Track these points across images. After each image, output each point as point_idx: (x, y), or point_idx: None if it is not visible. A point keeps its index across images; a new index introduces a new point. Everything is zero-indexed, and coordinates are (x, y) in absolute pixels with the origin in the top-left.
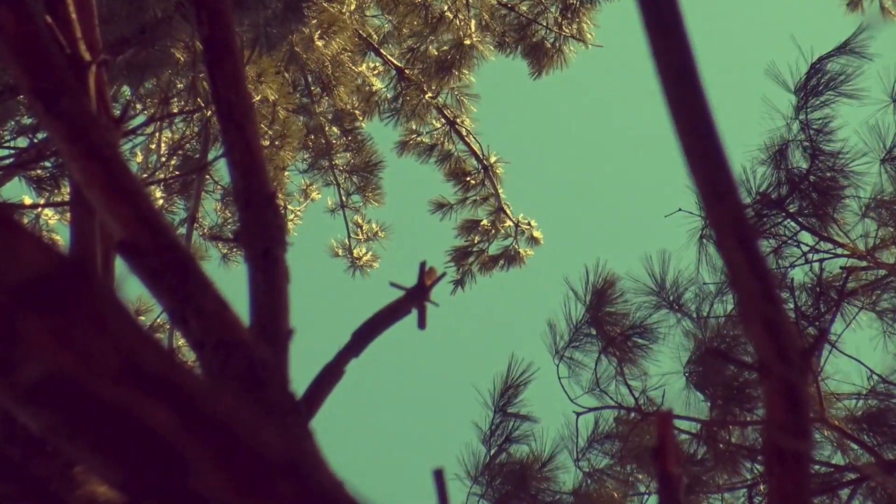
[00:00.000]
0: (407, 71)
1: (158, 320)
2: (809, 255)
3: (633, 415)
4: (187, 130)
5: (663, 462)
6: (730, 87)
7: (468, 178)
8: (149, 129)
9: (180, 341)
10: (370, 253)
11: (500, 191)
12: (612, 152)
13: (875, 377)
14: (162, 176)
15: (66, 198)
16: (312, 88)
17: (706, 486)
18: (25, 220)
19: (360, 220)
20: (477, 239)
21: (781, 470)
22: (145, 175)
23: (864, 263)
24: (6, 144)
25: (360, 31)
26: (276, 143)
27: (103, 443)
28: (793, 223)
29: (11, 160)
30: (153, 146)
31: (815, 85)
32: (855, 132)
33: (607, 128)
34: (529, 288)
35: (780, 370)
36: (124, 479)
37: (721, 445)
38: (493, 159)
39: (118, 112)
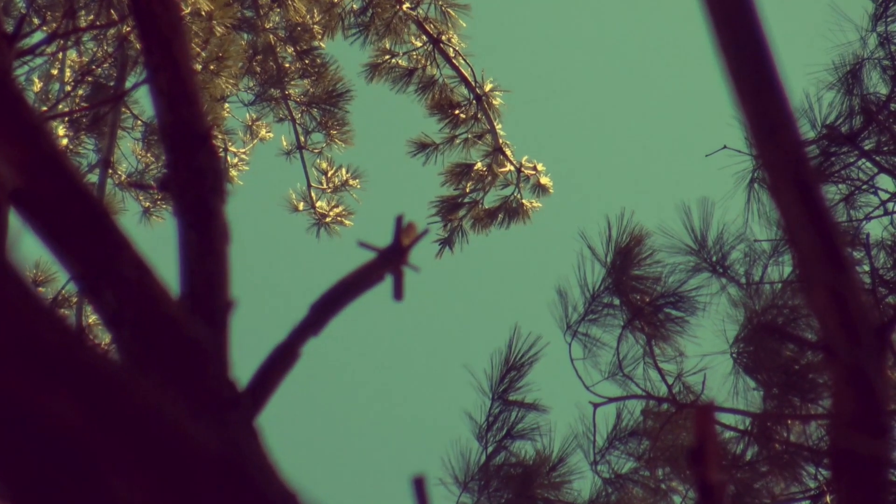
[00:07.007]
0: None
1: (63, 292)
2: (889, 205)
3: (665, 406)
4: (99, 51)
5: (703, 466)
6: None
7: (457, 112)
8: (50, 49)
9: (92, 318)
10: (340, 206)
11: (498, 127)
12: (639, 77)
13: None
14: (67, 109)
15: None
16: None
17: (758, 496)
18: None
19: (324, 165)
20: (469, 187)
21: (853, 476)
22: (45, 108)
23: None
24: None
25: None
26: (212, 67)
27: None
28: (868, 164)
29: None
30: (55, 71)
31: None
32: None
33: (632, 46)
34: (535, 247)
35: (849, 350)
36: (17, 488)
37: (777, 445)
38: (488, 87)
39: (11, 28)
